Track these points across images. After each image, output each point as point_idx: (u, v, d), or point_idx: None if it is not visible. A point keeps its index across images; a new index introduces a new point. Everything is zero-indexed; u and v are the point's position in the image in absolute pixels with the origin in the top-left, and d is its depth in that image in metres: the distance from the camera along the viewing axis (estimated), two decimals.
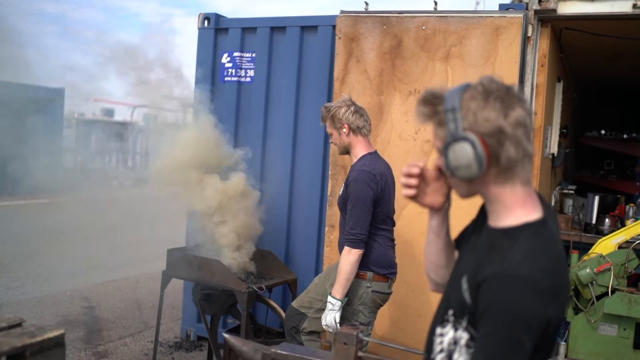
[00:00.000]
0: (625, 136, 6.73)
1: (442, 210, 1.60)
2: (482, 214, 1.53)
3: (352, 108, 3.25)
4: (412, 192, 1.55)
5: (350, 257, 3.09)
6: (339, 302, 3.10)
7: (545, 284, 1.28)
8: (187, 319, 5.13)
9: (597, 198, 5.11)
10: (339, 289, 3.10)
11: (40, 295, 6.21)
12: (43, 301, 6.01)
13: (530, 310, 1.26)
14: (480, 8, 17.35)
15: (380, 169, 3.21)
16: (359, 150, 3.26)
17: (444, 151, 1.39)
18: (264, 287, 3.73)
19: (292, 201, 4.67)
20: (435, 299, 3.98)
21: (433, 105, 1.41)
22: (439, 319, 1.51)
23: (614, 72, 6.10)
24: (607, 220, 5.01)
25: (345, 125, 3.23)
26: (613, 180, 6.82)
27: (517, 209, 1.38)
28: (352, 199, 3.13)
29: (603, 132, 6.82)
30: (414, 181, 1.54)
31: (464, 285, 1.40)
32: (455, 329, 1.42)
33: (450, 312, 1.45)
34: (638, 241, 3.98)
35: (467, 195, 1.47)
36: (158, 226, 10.87)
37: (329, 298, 3.13)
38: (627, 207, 5.18)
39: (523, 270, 1.28)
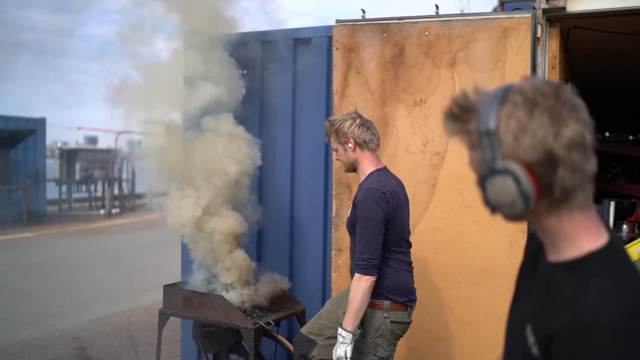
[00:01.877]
0: (631, 137, 6.51)
1: None
2: (536, 242, 1.24)
3: (357, 121, 2.98)
4: None
5: (361, 285, 2.80)
6: (350, 335, 2.81)
7: (635, 326, 0.99)
8: (186, 355, 4.77)
9: (612, 204, 4.88)
10: (350, 320, 2.81)
11: (27, 338, 5.83)
12: (31, 344, 5.63)
13: None
14: (464, 10, 17.31)
15: (391, 185, 2.93)
16: (367, 166, 2.99)
17: (480, 184, 1.11)
18: (271, 322, 3.41)
19: (293, 225, 4.36)
20: (455, 321, 3.73)
21: (463, 121, 1.11)
22: None
23: (616, 72, 5.92)
24: (624, 226, 4.77)
25: (351, 140, 2.96)
26: (622, 183, 6.57)
27: (579, 237, 1.10)
28: (361, 221, 2.85)
29: (607, 134, 6.60)
30: None
31: (530, 338, 1.12)
32: None
33: None
34: None
35: (514, 222, 1.21)
36: (149, 255, 10.55)
37: (340, 330, 2.84)
38: None
39: (602, 315, 1.00)
